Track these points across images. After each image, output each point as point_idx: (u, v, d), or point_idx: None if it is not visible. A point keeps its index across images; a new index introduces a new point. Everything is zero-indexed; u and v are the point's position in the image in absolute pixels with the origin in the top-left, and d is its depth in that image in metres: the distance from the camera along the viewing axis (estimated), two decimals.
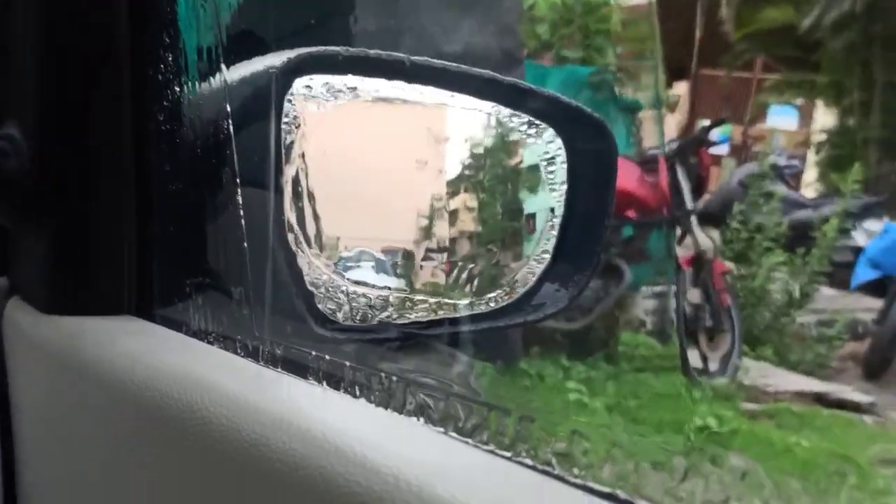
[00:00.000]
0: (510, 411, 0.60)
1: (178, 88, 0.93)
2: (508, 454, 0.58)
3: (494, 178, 1.11)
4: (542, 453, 0.56)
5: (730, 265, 6.69)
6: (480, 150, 1.10)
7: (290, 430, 0.61)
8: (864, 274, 7.65)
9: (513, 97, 1.03)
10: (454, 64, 0.99)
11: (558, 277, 1.06)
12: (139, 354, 0.81)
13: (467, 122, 1.07)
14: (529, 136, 1.06)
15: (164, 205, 0.96)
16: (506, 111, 1.05)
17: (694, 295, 6.11)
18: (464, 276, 1.07)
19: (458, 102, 1.04)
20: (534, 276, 1.07)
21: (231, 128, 0.90)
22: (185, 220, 0.96)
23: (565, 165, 1.06)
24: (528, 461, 0.56)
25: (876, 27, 9.44)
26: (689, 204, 6.04)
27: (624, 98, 6.48)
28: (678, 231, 6.62)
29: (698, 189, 6.23)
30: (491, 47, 4.16)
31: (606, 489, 0.53)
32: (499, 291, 1.07)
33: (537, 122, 1.05)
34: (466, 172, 1.08)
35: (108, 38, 0.92)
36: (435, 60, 0.96)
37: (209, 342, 0.87)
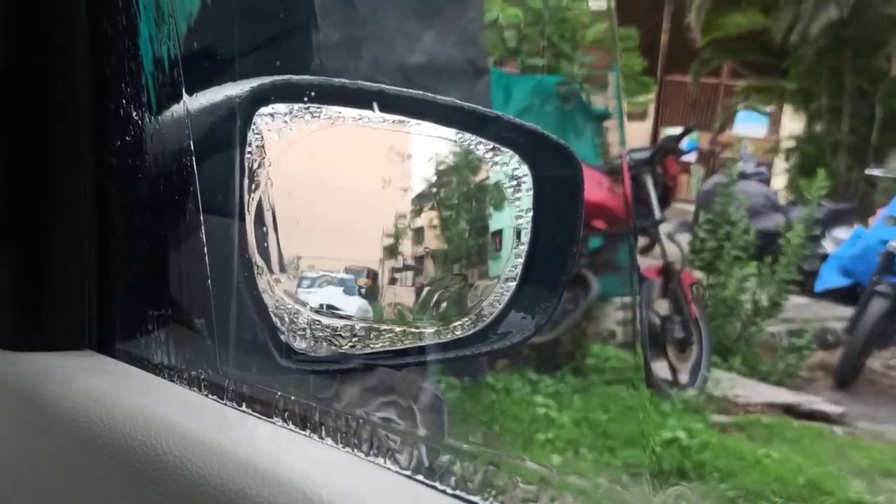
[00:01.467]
0: (476, 455, 0.61)
1: (139, 120, 0.93)
2: (476, 498, 0.58)
3: (460, 196, 1.11)
4: (509, 501, 0.57)
5: (698, 275, 6.73)
6: (445, 170, 1.10)
7: (256, 476, 0.62)
8: (832, 280, 7.72)
9: (477, 124, 1.04)
10: (420, 93, 1.00)
11: (524, 305, 1.07)
12: (100, 394, 0.81)
13: (433, 144, 1.08)
14: (495, 163, 1.07)
15: (126, 237, 0.96)
16: (472, 138, 1.06)
17: (662, 306, 6.14)
18: (431, 299, 1.08)
19: (423, 130, 1.04)
20: (500, 303, 1.08)
21: (193, 159, 0.90)
22: (146, 253, 0.96)
23: (531, 192, 1.06)
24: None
25: (845, 32, 9.52)
26: (657, 214, 6.07)
27: (591, 107, 6.52)
28: (646, 241, 6.66)
29: (666, 199, 6.27)
30: (455, 57, 4.17)
31: None
32: (465, 319, 1.07)
33: (503, 149, 1.06)
34: (433, 191, 1.09)
35: (68, 69, 0.92)
36: (402, 90, 0.97)
37: (171, 379, 0.87)
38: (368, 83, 0.98)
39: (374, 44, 3.86)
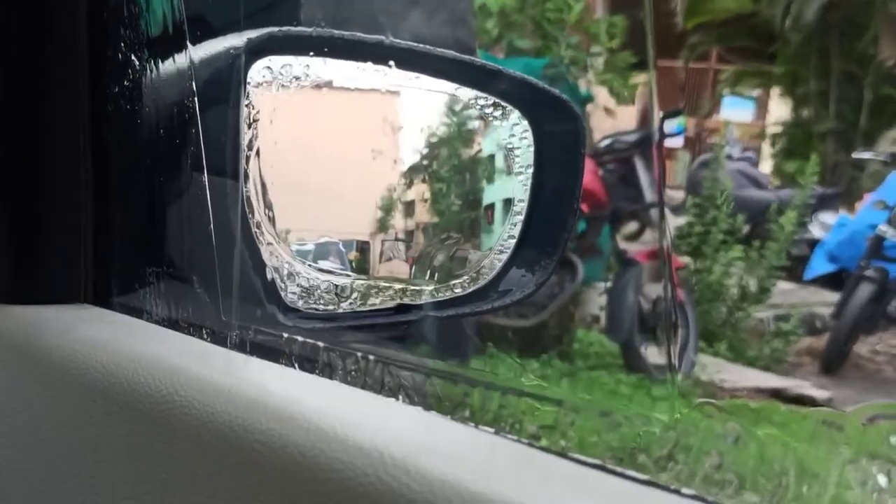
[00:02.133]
0: (496, 386, 0.61)
1: (138, 67, 0.92)
2: (492, 429, 0.58)
3: (453, 167, 1.11)
4: (527, 427, 0.57)
5: (685, 260, 6.74)
6: (439, 139, 1.10)
7: (265, 411, 0.62)
8: (820, 267, 7.74)
9: (480, 79, 1.04)
10: (421, 45, 1.00)
11: (525, 262, 1.07)
12: (101, 341, 0.81)
13: (430, 105, 1.08)
14: (494, 118, 1.07)
15: (123, 190, 0.95)
16: (471, 93, 1.06)
17: (652, 290, 6.15)
18: (427, 264, 1.08)
19: (422, 84, 1.04)
20: (500, 261, 1.08)
21: (196, 109, 0.90)
22: (145, 206, 0.96)
23: (531, 148, 1.06)
24: (513, 436, 0.57)
25: (832, 15, 9.54)
26: (649, 197, 6.07)
27: (578, 90, 6.53)
28: (636, 226, 6.68)
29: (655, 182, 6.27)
30: (443, 36, 4.16)
31: (595, 460, 0.54)
32: (464, 277, 1.07)
33: (503, 104, 1.06)
34: (425, 162, 1.09)
35: (63, 14, 0.92)
36: (404, 42, 0.97)
37: (172, 328, 0.87)
38: (369, 35, 0.98)
39: (358, 22, 3.83)
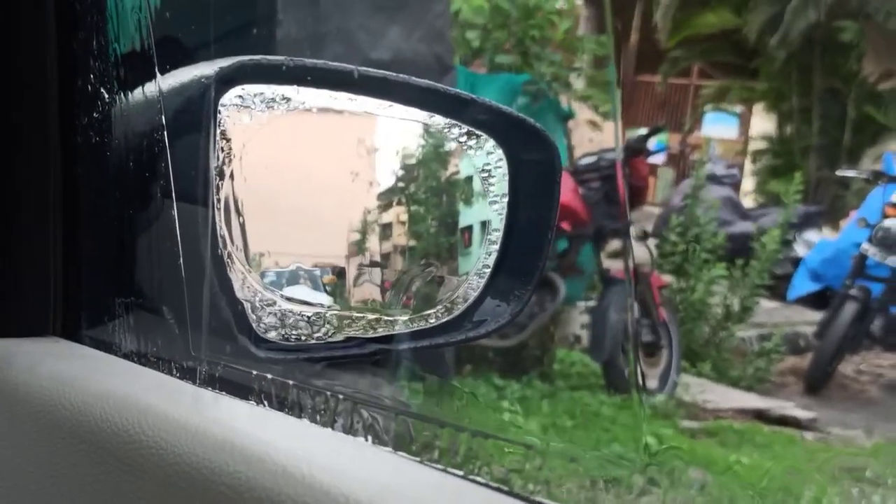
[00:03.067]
0: (464, 428, 0.61)
1: (108, 98, 0.92)
2: (461, 472, 0.59)
3: (430, 190, 1.12)
4: (494, 471, 0.57)
5: (667, 279, 6.75)
6: (415, 162, 1.10)
7: (233, 453, 0.62)
8: (803, 286, 7.77)
9: (453, 107, 1.04)
10: (395, 74, 1.00)
11: (499, 292, 1.07)
12: (70, 378, 0.81)
13: (403, 132, 1.08)
14: (469, 147, 1.07)
15: (93, 221, 0.95)
16: (444, 121, 1.06)
17: (632, 308, 6.15)
18: (402, 292, 1.08)
19: (395, 113, 1.05)
20: (474, 291, 1.08)
21: (165, 140, 0.90)
22: (114, 238, 0.96)
23: (506, 177, 1.07)
24: (481, 479, 0.58)
25: (816, 32, 9.60)
26: (626, 215, 6.08)
27: (560, 106, 6.55)
28: (614, 244, 6.68)
29: (634, 201, 6.29)
30: (420, 53, 4.18)
31: None
32: (438, 307, 1.08)
33: (477, 132, 1.07)
34: (401, 184, 1.09)
35: (34, 46, 0.92)
36: (377, 70, 0.98)
37: (142, 364, 0.87)
38: (343, 64, 0.98)
39: (336, 39, 3.85)
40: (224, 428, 0.66)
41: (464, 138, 1.07)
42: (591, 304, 6.24)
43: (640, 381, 6.01)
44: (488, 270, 1.07)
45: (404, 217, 1.09)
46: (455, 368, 5.43)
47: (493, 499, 0.56)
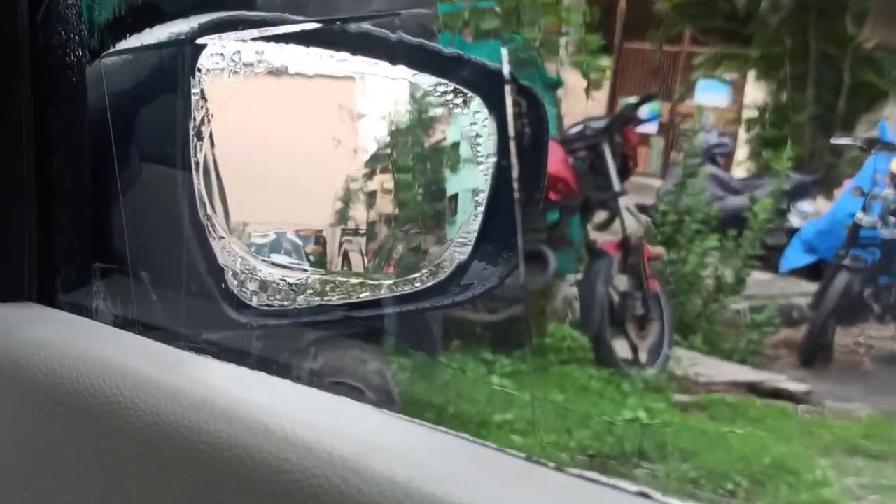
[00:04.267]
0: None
1: (82, 59, 0.92)
2: (445, 428, 0.59)
3: (416, 156, 1.11)
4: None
5: (659, 250, 6.75)
6: (400, 126, 1.10)
7: (213, 412, 0.62)
8: (797, 259, 7.78)
9: (439, 65, 1.04)
10: (381, 31, 1.00)
11: (486, 255, 1.07)
12: (46, 342, 0.80)
13: (388, 93, 1.08)
14: (455, 105, 1.07)
15: (69, 183, 0.95)
16: (430, 80, 1.06)
17: (622, 282, 6.17)
18: (385, 258, 1.08)
19: (380, 71, 1.04)
20: (461, 255, 1.08)
21: (139, 104, 0.89)
22: (91, 200, 0.95)
23: (493, 137, 1.06)
24: (468, 435, 0.58)
25: None
26: (616, 186, 6.09)
27: (547, 74, 6.53)
28: (606, 215, 6.68)
29: (625, 170, 6.29)
30: (404, 19, 4.16)
31: (553, 462, 0.54)
32: (423, 271, 1.07)
33: (464, 91, 1.06)
34: (386, 150, 1.09)
35: (6, 8, 0.91)
36: (362, 25, 0.97)
37: (121, 327, 0.87)
38: (323, 18, 0.97)
39: (317, 4, 3.83)
40: (204, 387, 0.66)
41: (450, 97, 1.07)
42: (579, 276, 6.23)
43: (632, 355, 6.04)
44: (475, 233, 1.07)
45: (389, 185, 1.09)
46: (443, 344, 5.43)
47: (482, 452, 0.56)
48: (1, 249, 0.95)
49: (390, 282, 1.06)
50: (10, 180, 0.94)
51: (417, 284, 1.06)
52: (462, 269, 1.06)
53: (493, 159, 1.06)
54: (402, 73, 1.05)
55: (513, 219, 1.06)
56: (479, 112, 1.06)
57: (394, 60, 1.03)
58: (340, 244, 1.06)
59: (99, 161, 0.95)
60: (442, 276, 1.07)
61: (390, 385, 4.11)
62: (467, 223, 1.07)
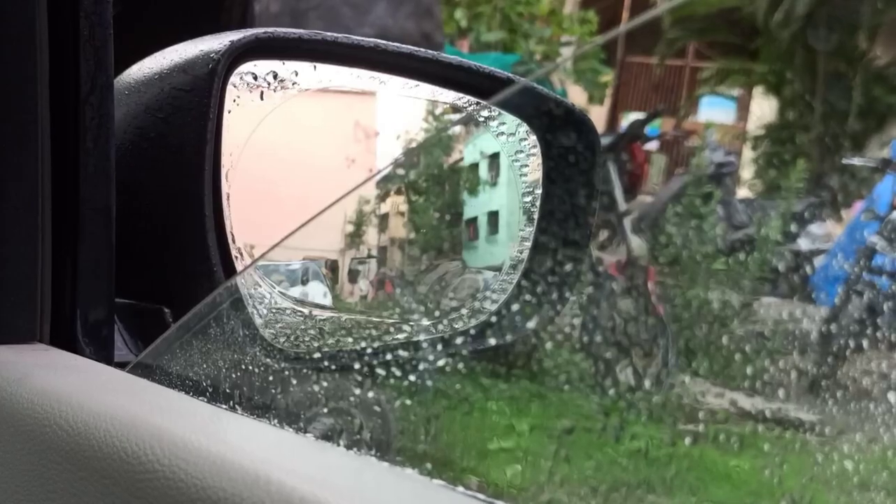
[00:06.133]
0: None
1: (100, 79, 0.87)
2: (443, 481, 0.55)
3: (435, 177, 1.09)
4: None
5: (664, 272, 6.74)
6: (422, 144, 1.07)
7: (269, 489, 0.57)
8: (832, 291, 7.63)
9: (485, 87, 1.00)
10: (422, 50, 0.96)
11: (531, 295, 1.03)
12: (65, 393, 0.75)
13: (405, 110, 1.06)
14: (500, 134, 1.04)
15: (86, 212, 0.90)
16: (473, 102, 1.03)
17: (626, 304, 6.15)
18: (425, 288, 1.05)
19: (421, 93, 1.01)
20: (503, 292, 1.04)
21: (168, 122, 0.85)
22: (110, 231, 0.90)
23: (540, 166, 1.03)
24: (464, 489, 0.54)
25: (820, 10, 9.58)
26: (622, 205, 6.07)
27: (550, 88, 6.54)
28: (607, 234, 6.67)
29: (632, 188, 6.28)
30: (408, 30, 4.15)
31: None
32: (464, 311, 1.04)
33: (508, 115, 1.03)
34: (403, 172, 1.06)
35: (26, 22, 0.86)
36: (403, 46, 0.93)
37: (147, 377, 0.81)
38: (365, 38, 0.94)
39: (318, 15, 3.82)
40: (252, 458, 0.60)
41: (494, 122, 1.03)
42: (583, 298, 6.22)
43: (635, 381, 6.02)
44: (519, 270, 1.04)
45: (405, 206, 1.06)
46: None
47: None
48: (11, 284, 0.89)
49: (427, 323, 1.02)
50: (23, 205, 0.89)
51: (458, 325, 1.02)
52: (505, 308, 1.03)
53: (540, 191, 1.02)
54: (446, 96, 1.01)
55: (559, 256, 1.02)
56: (525, 139, 1.03)
57: (437, 82, 0.99)
58: (351, 270, 1.03)
59: (119, 188, 0.90)
60: (484, 317, 1.03)
61: (387, 411, 4.09)
62: (510, 257, 1.04)
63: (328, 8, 3.82)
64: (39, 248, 0.89)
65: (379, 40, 0.93)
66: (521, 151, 1.03)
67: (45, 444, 0.73)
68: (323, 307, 0.98)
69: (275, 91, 0.92)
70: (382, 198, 1.06)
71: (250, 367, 0.90)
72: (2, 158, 0.86)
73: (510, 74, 1.01)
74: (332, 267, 1.03)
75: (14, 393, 0.78)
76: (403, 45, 0.94)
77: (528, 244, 1.03)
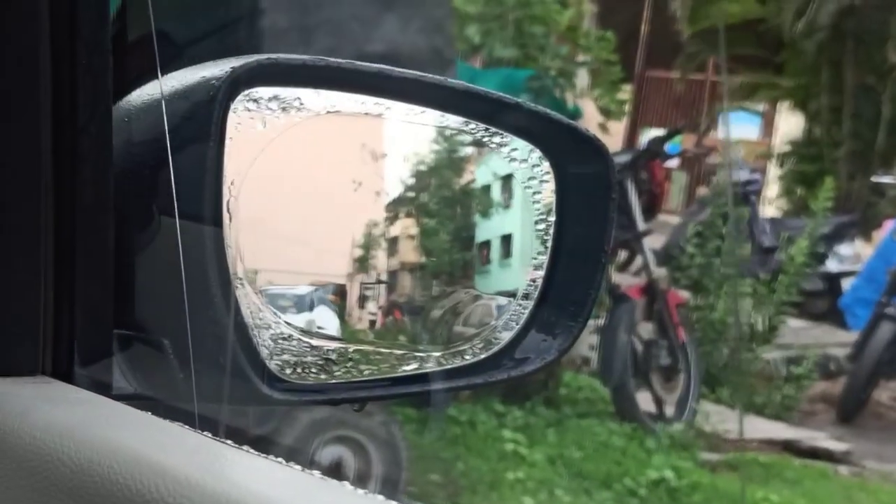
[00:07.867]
0: None
1: (102, 106, 0.88)
2: None
3: (446, 199, 1.09)
4: None
5: (685, 295, 6.71)
6: (431, 166, 1.08)
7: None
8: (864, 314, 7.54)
9: (495, 113, 1.01)
10: (428, 76, 0.97)
11: (545, 325, 1.04)
12: (68, 427, 0.76)
13: (435, 140, 1.06)
14: (512, 160, 1.04)
15: (88, 243, 0.91)
16: (483, 129, 1.04)
17: (646, 329, 6.13)
18: (436, 319, 1.06)
19: (428, 120, 1.02)
20: (516, 323, 1.05)
21: (168, 151, 0.86)
22: (111, 262, 0.92)
23: (554, 193, 1.04)
24: None
25: (848, 21, 9.55)
26: (640, 225, 6.06)
27: (565, 105, 6.54)
28: (625, 256, 6.66)
29: (652, 207, 6.28)
30: (418, 46, 4.15)
31: None
32: (475, 342, 1.04)
33: (520, 141, 1.04)
34: (412, 194, 1.07)
35: (26, 50, 0.88)
36: (409, 71, 0.94)
37: (152, 410, 0.82)
38: (368, 64, 0.95)
39: (326, 31, 3.83)
40: (256, 497, 0.62)
41: (505, 148, 1.04)
42: (601, 322, 6.19)
43: (656, 409, 6.00)
44: (532, 299, 1.04)
45: (415, 230, 1.07)
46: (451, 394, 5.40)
47: None
48: (14, 316, 0.91)
49: (437, 354, 1.03)
50: (24, 235, 0.90)
51: (468, 357, 1.03)
52: (517, 340, 1.03)
53: (554, 218, 1.03)
54: (453, 121, 1.02)
55: (573, 286, 1.03)
56: (537, 166, 1.03)
57: (445, 108, 1.00)
58: (360, 295, 1.04)
59: (120, 218, 0.91)
60: (495, 348, 1.04)
61: (397, 439, 4.10)
62: (522, 287, 1.05)
63: (337, 23, 3.82)
64: (42, 280, 0.90)
65: (384, 66, 0.94)
66: (534, 178, 1.04)
67: (49, 480, 0.74)
68: (330, 337, 0.99)
69: (277, 117, 0.93)
70: (391, 220, 1.07)
71: (255, 399, 0.91)
72: (2, 189, 0.88)
73: (519, 100, 1.02)
74: (340, 292, 1.04)
75: (17, 427, 0.80)
76: (409, 71, 0.95)
77: (542, 273, 1.04)
